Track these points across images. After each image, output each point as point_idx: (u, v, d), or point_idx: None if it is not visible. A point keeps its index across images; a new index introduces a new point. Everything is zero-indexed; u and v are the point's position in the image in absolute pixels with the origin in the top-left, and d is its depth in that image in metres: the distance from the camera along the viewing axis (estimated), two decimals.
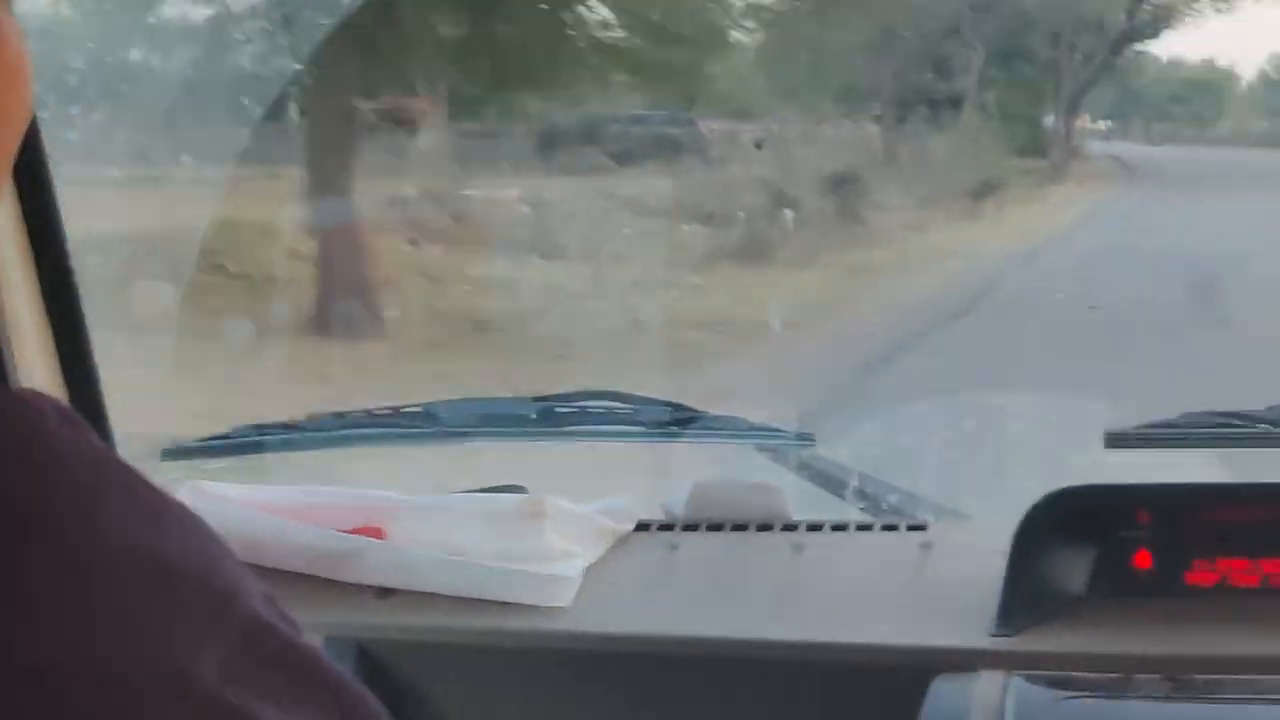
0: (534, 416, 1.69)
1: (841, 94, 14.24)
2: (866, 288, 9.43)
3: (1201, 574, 1.31)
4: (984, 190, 13.37)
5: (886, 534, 1.49)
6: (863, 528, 1.51)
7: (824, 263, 9.88)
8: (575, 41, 8.80)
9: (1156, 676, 1.19)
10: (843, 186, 11.92)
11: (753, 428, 1.65)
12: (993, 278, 9.45)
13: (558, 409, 1.70)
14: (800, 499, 1.55)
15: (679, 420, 1.65)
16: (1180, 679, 1.19)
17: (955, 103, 14.51)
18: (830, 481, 1.57)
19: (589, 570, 1.42)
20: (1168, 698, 1.18)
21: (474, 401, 1.74)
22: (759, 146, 12.25)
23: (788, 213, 10.92)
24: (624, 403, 1.71)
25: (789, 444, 1.63)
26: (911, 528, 1.49)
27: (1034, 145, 16.54)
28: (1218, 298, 7.09)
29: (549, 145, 11.60)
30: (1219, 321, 6.54)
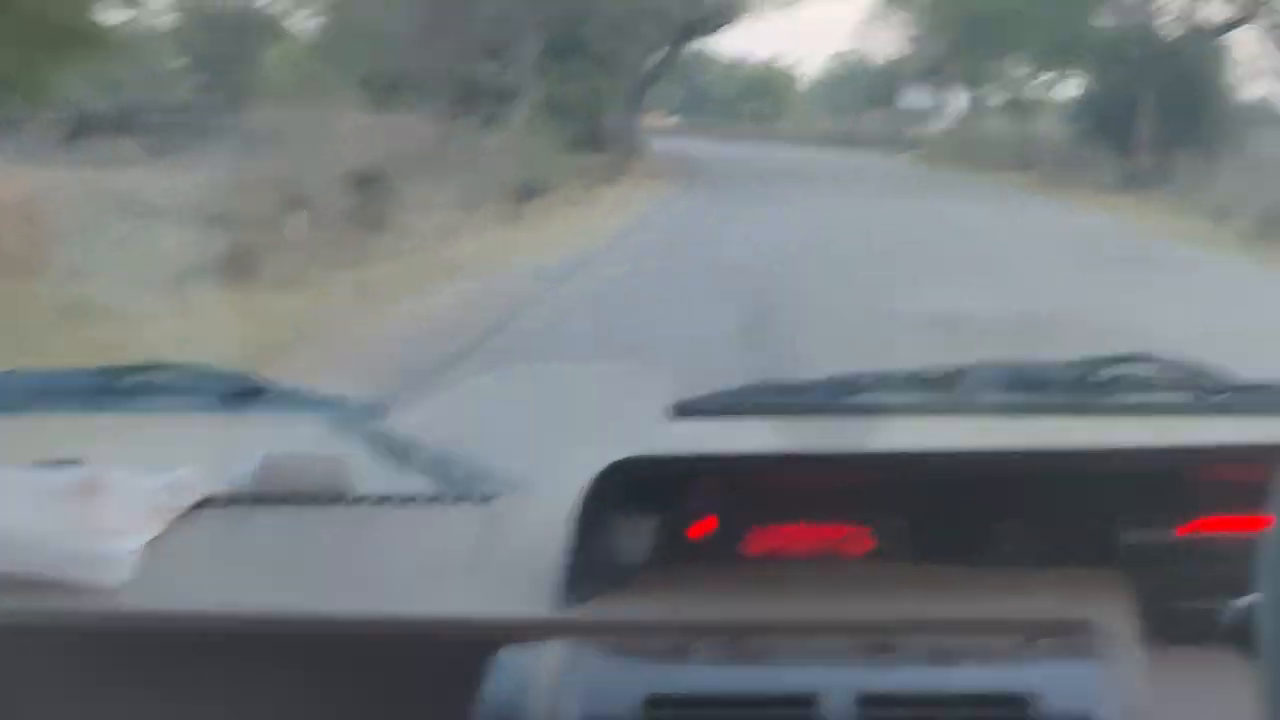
0: (94, 388, 1.62)
1: (389, 84, 13.81)
2: (358, 315, 8.11)
3: (760, 541, 1.37)
4: (530, 191, 12.90)
5: (455, 506, 1.49)
6: (432, 500, 1.50)
7: (321, 280, 8.67)
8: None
9: (714, 642, 1.23)
10: (367, 186, 11.03)
11: (322, 400, 1.61)
12: (511, 305, 8.51)
13: (119, 382, 1.63)
14: (371, 471, 1.53)
15: (247, 391, 1.61)
16: (737, 644, 1.23)
17: (508, 96, 14.20)
18: (400, 453, 1.55)
19: (148, 547, 1.34)
20: (724, 662, 1.21)
21: (27, 374, 1.67)
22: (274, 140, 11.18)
23: (298, 217, 9.93)
24: (189, 373, 1.66)
25: (357, 416, 1.60)
26: (482, 500, 1.49)
27: (592, 142, 16.66)
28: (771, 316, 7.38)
29: (75, 133, 10.66)
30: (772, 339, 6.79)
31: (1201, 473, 1.29)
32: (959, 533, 1.33)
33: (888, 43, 35.40)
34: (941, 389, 1.65)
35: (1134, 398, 1.61)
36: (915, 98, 35.88)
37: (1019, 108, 29.94)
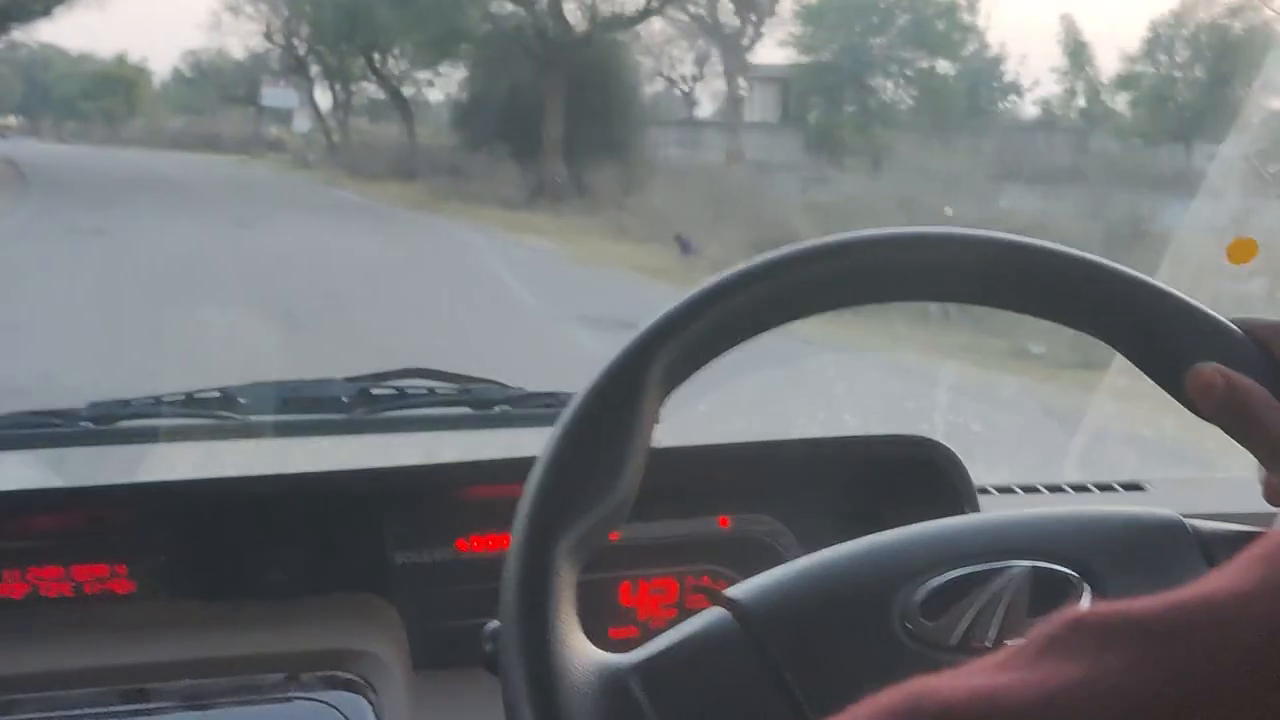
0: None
1: None
2: None
3: (12, 586, 1.24)
4: None
5: None
6: None
7: None
8: None
9: None
10: None
11: None
12: None
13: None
14: None
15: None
16: None
17: None
18: None
19: None
20: None
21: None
22: None
23: None
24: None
25: None
26: None
27: None
28: None
29: None
30: None
31: (472, 491, 1.30)
32: (224, 565, 1.26)
33: (247, 35, 33.10)
34: (218, 410, 1.57)
35: (413, 413, 1.61)
36: (276, 95, 33.86)
37: (397, 108, 27.67)
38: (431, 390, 1.64)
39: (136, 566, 1.25)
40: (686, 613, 1.31)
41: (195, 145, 35.52)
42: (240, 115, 38.52)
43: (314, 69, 30.94)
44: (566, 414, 0.76)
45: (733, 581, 1.31)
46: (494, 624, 0.75)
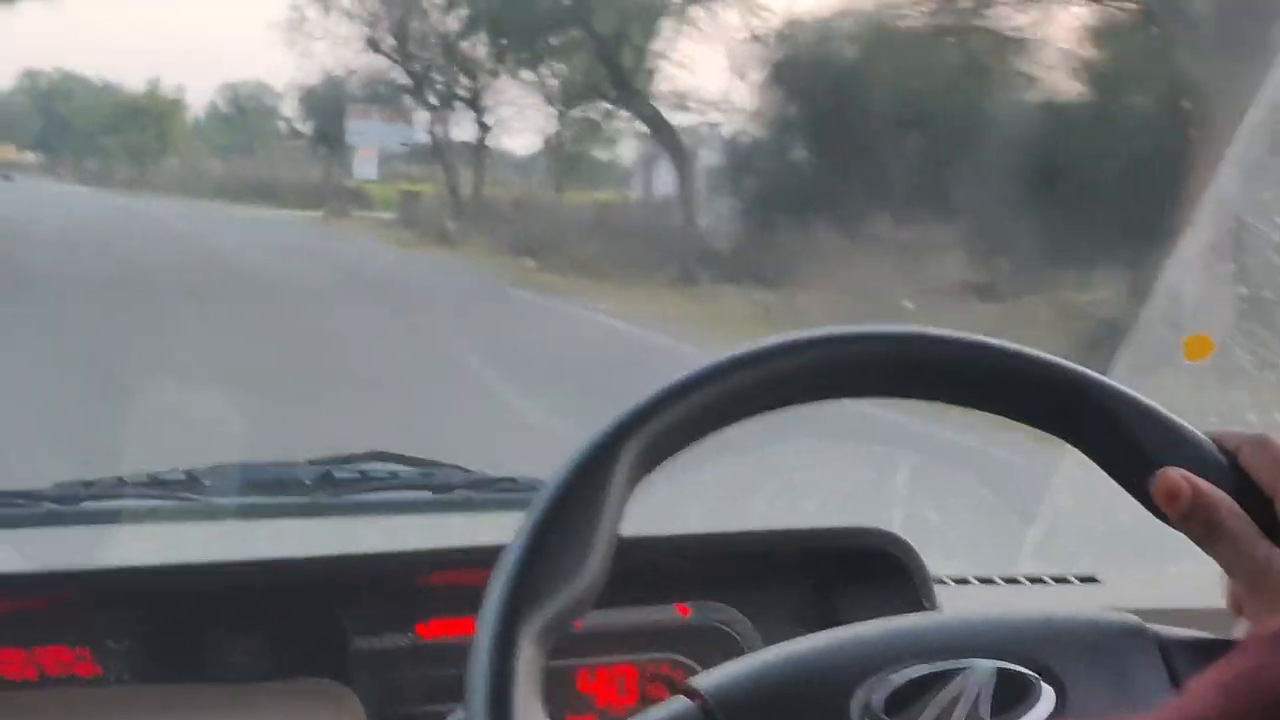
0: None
1: None
2: None
3: None
4: None
5: None
6: None
7: None
8: None
9: None
10: None
11: None
12: None
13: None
14: None
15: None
16: None
17: None
18: None
19: None
20: None
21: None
22: None
23: None
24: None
25: None
26: None
27: None
28: None
29: None
30: None
31: (434, 576, 1.30)
32: (187, 649, 1.26)
33: (337, 42, 25.92)
34: (180, 492, 1.58)
35: (375, 496, 1.62)
36: (372, 132, 26.66)
37: (667, 148, 19.92)
38: (394, 474, 1.65)
39: (99, 650, 1.25)
40: (646, 701, 1.32)
41: (243, 194, 29.89)
42: (295, 159, 32.69)
43: (433, 91, 24.95)
44: (539, 500, 0.77)
45: (692, 670, 1.32)
46: (457, 715, 0.76)
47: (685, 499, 1.79)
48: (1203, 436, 0.82)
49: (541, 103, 24.02)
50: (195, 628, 1.26)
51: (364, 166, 29.07)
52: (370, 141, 27.69)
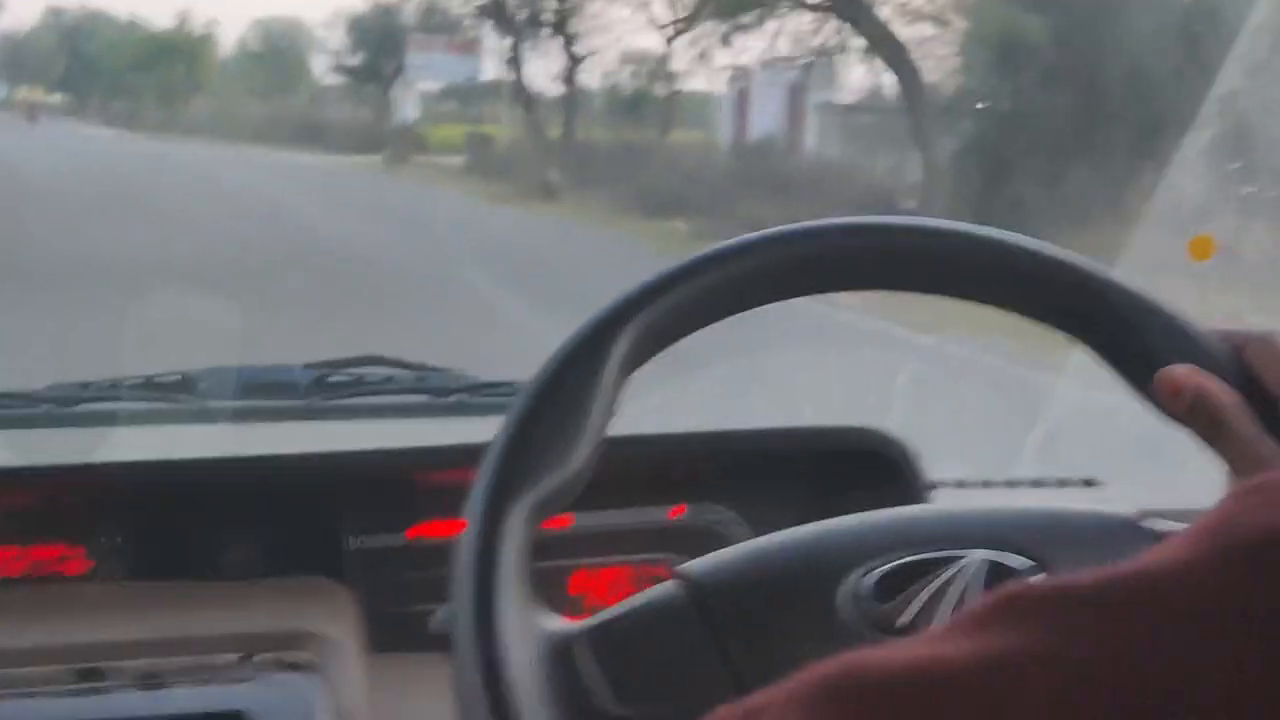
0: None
1: None
2: None
3: None
4: None
5: None
6: None
7: None
8: None
9: None
10: None
11: None
12: None
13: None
14: None
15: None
16: None
17: None
18: None
19: None
20: None
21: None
22: None
23: None
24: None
25: None
26: None
27: None
28: None
29: None
30: None
31: (427, 476, 1.30)
32: (180, 547, 1.26)
33: None
34: (175, 394, 1.57)
35: (370, 400, 1.61)
36: (441, 66, 24.46)
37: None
38: (389, 378, 1.65)
39: (93, 547, 1.26)
40: None
41: (286, 138, 26.21)
42: (340, 99, 29.61)
43: (508, 16, 21.19)
44: (530, 383, 0.76)
45: None
46: (447, 608, 0.75)
47: (682, 402, 1.79)
48: (1209, 333, 0.81)
49: (647, 25, 21.60)
50: (188, 526, 1.26)
51: (406, 107, 26.47)
52: (435, 76, 25.51)
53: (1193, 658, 0.37)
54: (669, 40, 20.71)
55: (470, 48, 24.55)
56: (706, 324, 0.80)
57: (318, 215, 14.26)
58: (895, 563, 0.78)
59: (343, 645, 1.18)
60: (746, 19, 19.06)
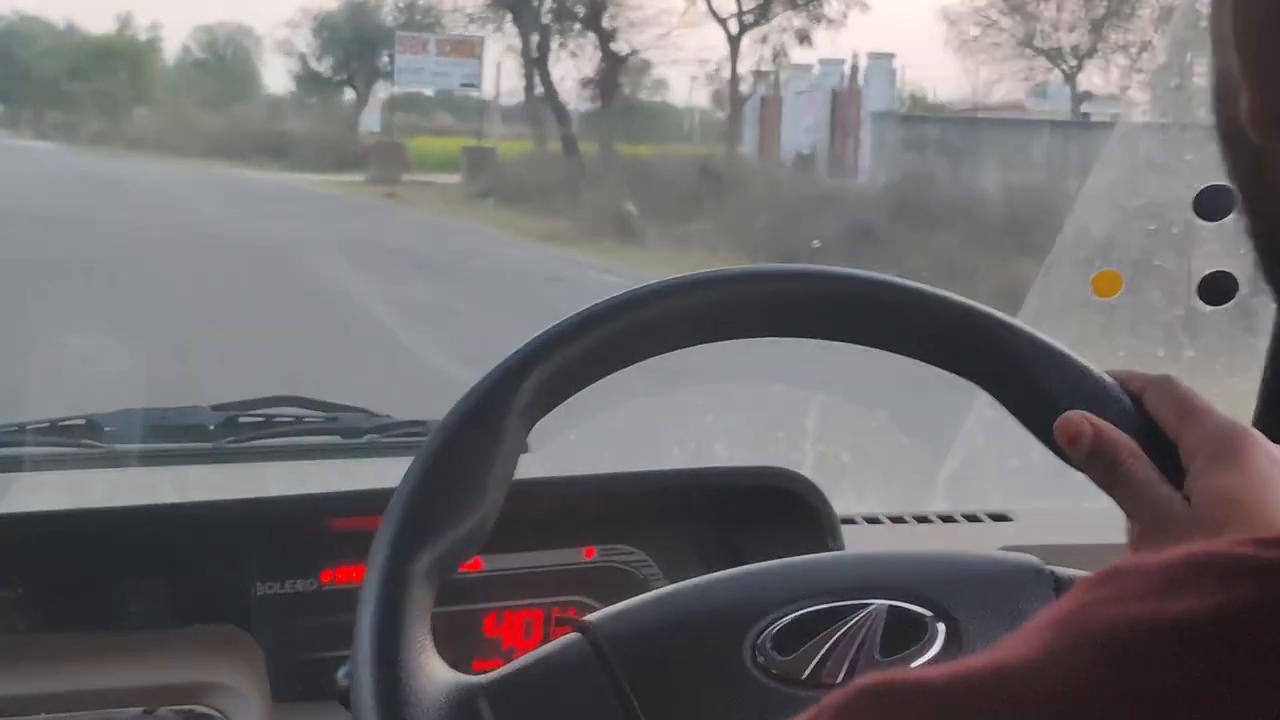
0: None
1: None
2: None
3: None
4: None
5: None
6: None
7: None
8: None
9: None
10: None
11: None
12: None
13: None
14: None
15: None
16: None
17: None
18: None
19: None
20: None
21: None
22: None
23: None
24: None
25: None
26: None
27: None
28: None
29: None
30: None
31: (336, 522, 1.29)
32: (84, 598, 1.24)
33: None
34: (83, 438, 1.55)
35: (280, 441, 1.59)
36: (428, 70, 21.21)
37: None
38: (299, 419, 1.63)
39: None
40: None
41: (245, 152, 21.86)
42: (303, 109, 26.04)
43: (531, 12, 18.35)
44: (431, 436, 0.76)
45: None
46: (348, 665, 0.75)
47: (594, 443, 1.79)
48: (1107, 378, 0.82)
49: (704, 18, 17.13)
50: (93, 576, 1.24)
51: (368, 117, 24.10)
52: (427, 81, 22.30)
53: None
54: (735, 36, 17.47)
55: (467, 49, 21.40)
56: (606, 374, 0.81)
57: (339, 269, 9.69)
58: (796, 613, 0.78)
59: (248, 695, 1.16)
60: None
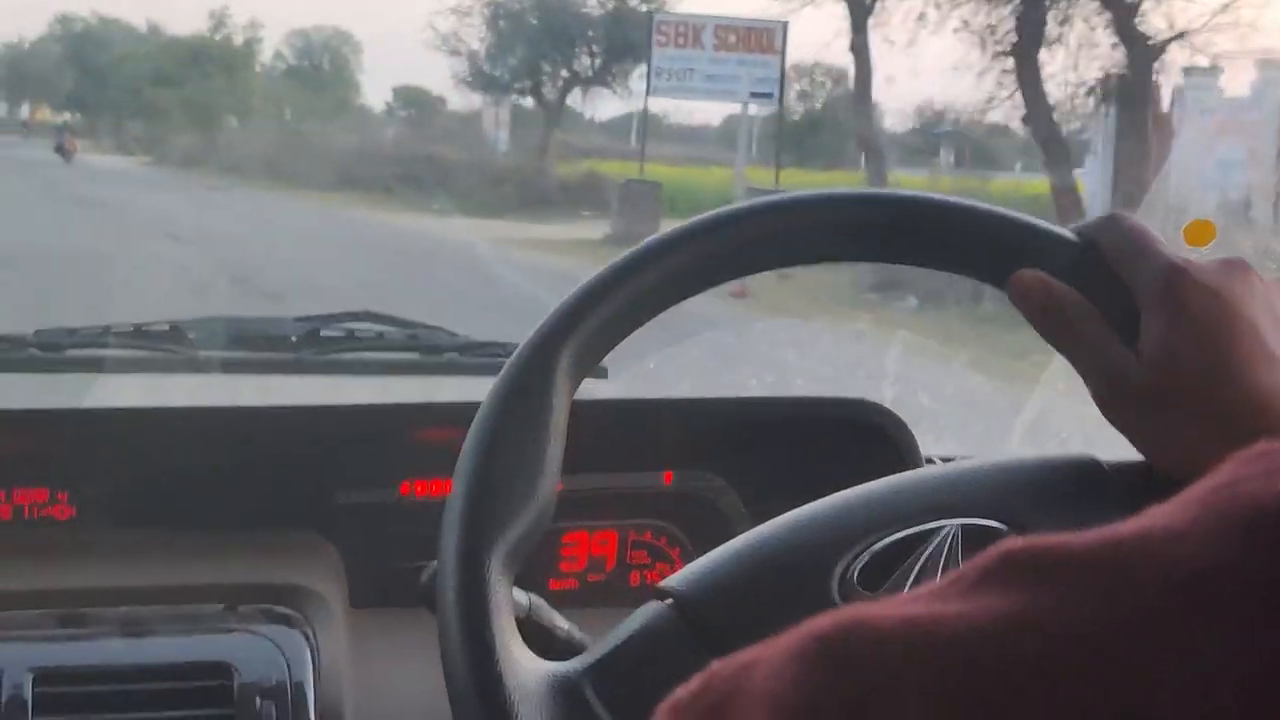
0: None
1: None
2: None
3: None
4: None
5: None
6: None
7: None
8: None
9: None
10: None
11: None
12: None
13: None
14: None
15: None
16: None
17: None
18: None
19: None
20: None
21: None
22: None
23: None
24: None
25: None
26: None
27: None
28: None
29: None
30: None
31: (417, 433, 1.29)
32: (166, 496, 1.25)
33: None
34: (165, 343, 1.56)
35: (362, 355, 1.60)
36: (721, 68, 15.69)
37: None
38: (380, 334, 1.64)
39: (78, 493, 1.25)
40: (625, 567, 1.32)
41: (387, 186, 16.20)
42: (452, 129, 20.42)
43: None
44: (477, 423, 0.75)
45: (674, 537, 1.32)
46: (433, 565, 0.75)
47: (674, 371, 1.78)
48: (1062, 232, 0.80)
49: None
50: (175, 475, 1.26)
51: (496, 133, 18.51)
52: (697, 88, 16.09)
53: (1199, 635, 0.37)
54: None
55: (762, 40, 16.16)
56: (640, 324, 0.80)
57: None
58: (875, 546, 0.77)
59: (328, 599, 1.18)
60: None
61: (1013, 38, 14.11)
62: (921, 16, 15.52)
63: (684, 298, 0.80)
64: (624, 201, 14.82)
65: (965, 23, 14.86)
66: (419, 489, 1.28)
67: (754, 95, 16.51)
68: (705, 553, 0.79)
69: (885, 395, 2.07)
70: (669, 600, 0.75)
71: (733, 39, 16.41)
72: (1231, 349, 0.72)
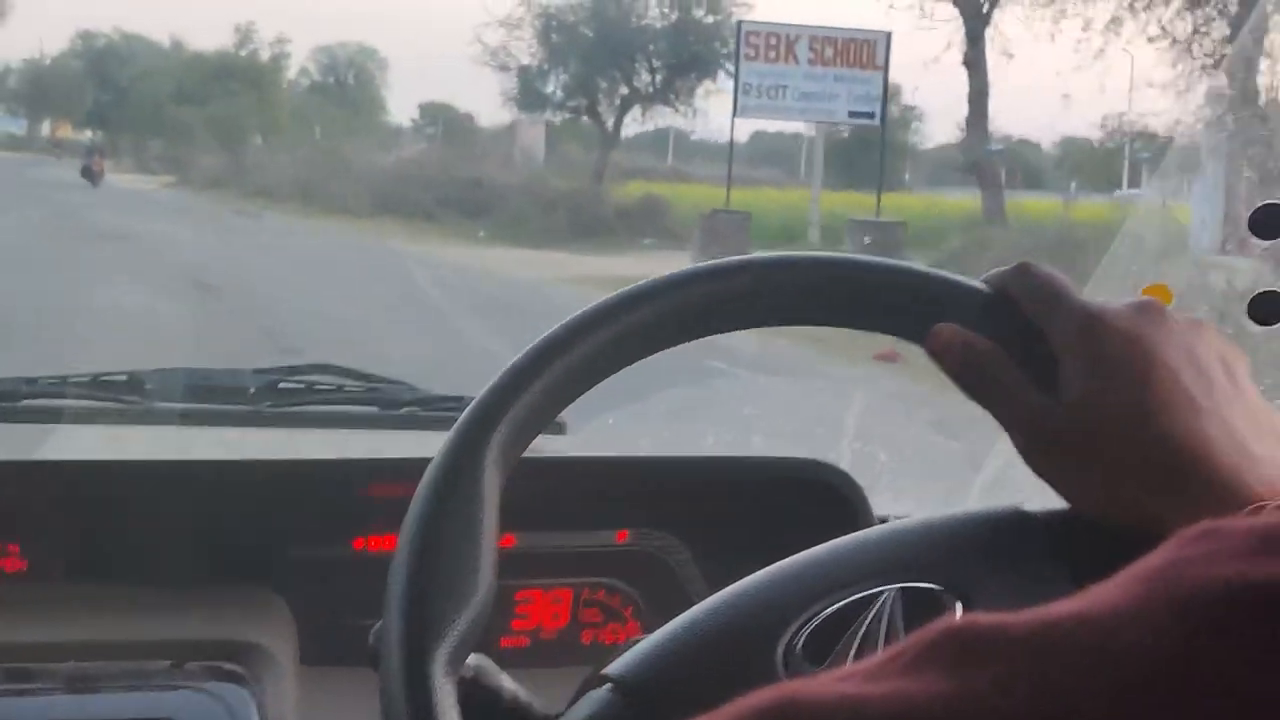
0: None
1: None
2: None
3: None
4: None
5: None
6: None
7: None
8: None
9: None
10: None
11: None
12: None
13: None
14: None
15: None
16: None
17: None
18: None
19: None
20: None
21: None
22: None
23: None
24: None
25: None
26: None
27: None
28: None
29: None
30: None
31: (372, 488, 1.29)
32: (117, 550, 1.24)
33: None
34: (124, 394, 1.56)
35: (320, 409, 1.60)
36: (819, 83, 14.70)
37: None
38: (339, 387, 1.64)
39: (29, 545, 1.24)
40: (578, 625, 1.31)
41: (428, 212, 15.38)
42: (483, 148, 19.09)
43: None
44: (407, 525, 0.73)
45: (627, 596, 1.31)
46: (379, 624, 0.74)
47: (632, 428, 1.79)
48: (973, 284, 0.80)
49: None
50: (127, 528, 1.25)
51: (527, 149, 17.10)
52: (789, 109, 15.07)
53: (1123, 717, 0.37)
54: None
55: (863, 54, 14.92)
56: (566, 406, 0.79)
57: None
58: (817, 616, 0.77)
59: (276, 656, 1.17)
60: None
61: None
62: (1114, 20, 14.03)
63: (612, 373, 0.79)
64: (708, 234, 13.73)
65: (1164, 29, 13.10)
66: (372, 544, 1.28)
67: (853, 115, 15.40)
68: (658, 611, 0.79)
69: (844, 454, 2.08)
70: (610, 686, 0.75)
71: (830, 52, 15.19)
72: (1149, 393, 0.72)
